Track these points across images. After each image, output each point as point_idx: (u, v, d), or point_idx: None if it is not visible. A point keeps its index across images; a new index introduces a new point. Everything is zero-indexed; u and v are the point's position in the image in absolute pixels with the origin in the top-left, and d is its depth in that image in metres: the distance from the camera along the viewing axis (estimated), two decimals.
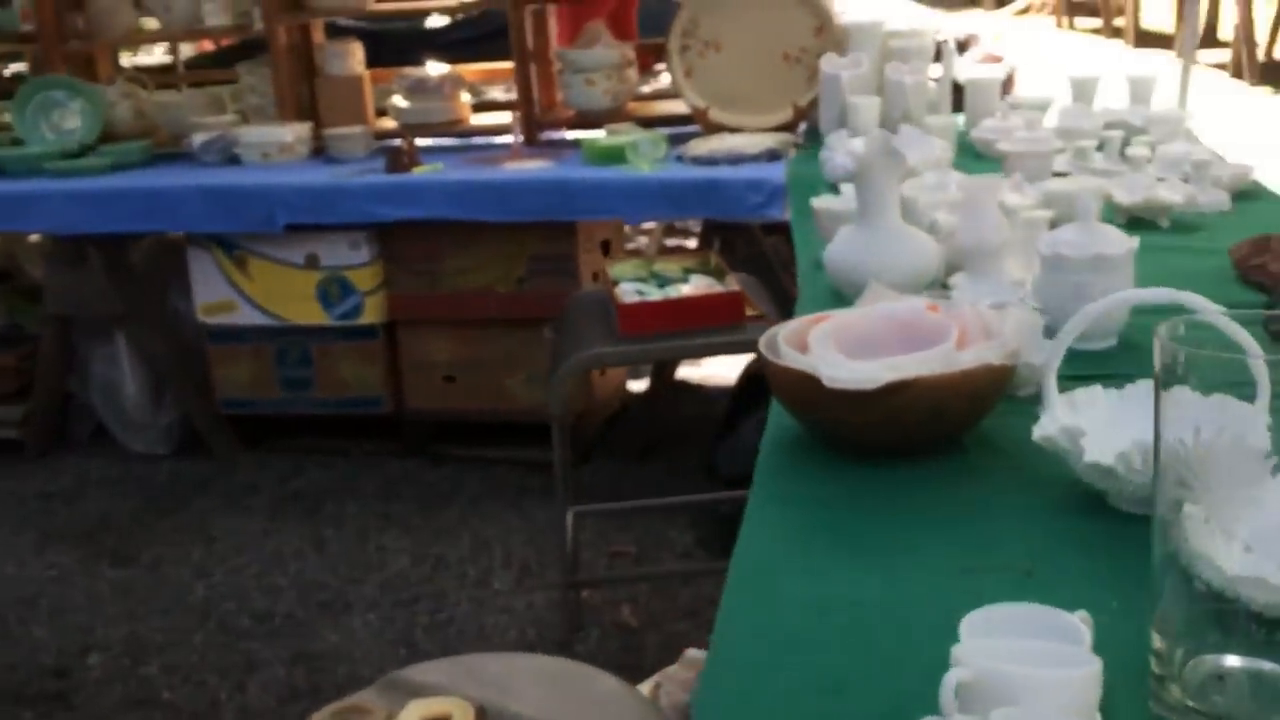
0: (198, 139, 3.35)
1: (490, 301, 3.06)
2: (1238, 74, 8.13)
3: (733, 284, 1.97)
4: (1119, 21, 11.43)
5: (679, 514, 2.75)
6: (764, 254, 2.89)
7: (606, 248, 3.16)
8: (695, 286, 2.02)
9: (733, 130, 3.02)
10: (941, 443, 1.20)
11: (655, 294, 1.99)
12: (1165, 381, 0.71)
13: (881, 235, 1.63)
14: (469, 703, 1.04)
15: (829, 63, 2.76)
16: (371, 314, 3.16)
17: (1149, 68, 2.65)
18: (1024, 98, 2.82)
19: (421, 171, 3.07)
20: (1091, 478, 1.05)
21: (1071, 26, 12.07)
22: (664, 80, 3.92)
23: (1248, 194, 2.19)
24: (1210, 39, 10.02)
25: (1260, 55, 8.30)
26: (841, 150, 1.63)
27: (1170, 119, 2.58)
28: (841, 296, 1.78)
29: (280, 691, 2.34)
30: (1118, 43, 10.51)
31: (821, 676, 0.85)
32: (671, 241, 4.91)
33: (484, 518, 2.91)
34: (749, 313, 1.93)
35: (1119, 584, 0.93)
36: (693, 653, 1.66)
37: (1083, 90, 2.77)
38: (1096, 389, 1.16)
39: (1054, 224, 1.82)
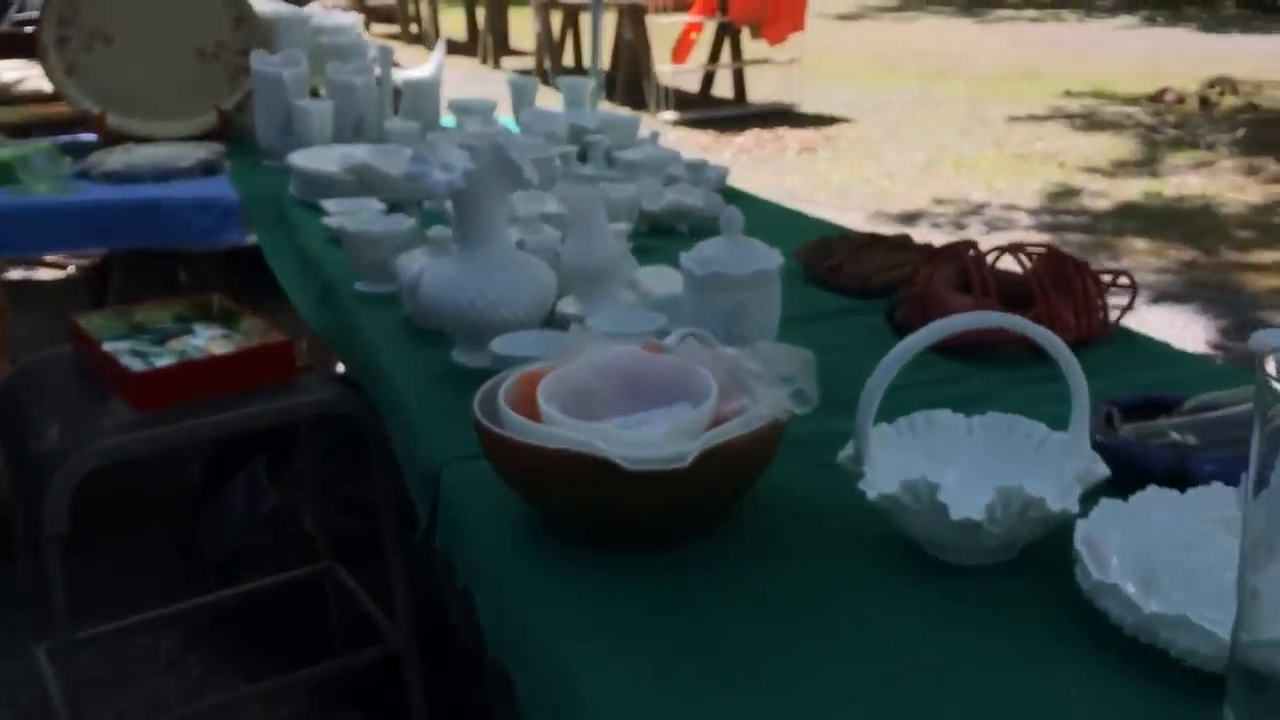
0: None
1: None
2: (543, 79, 8.78)
3: (268, 331, 1.57)
4: (415, 29, 11.83)
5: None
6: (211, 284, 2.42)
7: None
8: (212, 338, 1.58)
9: (140, 140, 2.51)
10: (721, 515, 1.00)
11: (163, 355, 1.52)
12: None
13: (494, 262, 1.38)
14: None
15: (261, 60, 2.38)
16: None
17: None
18: (466, 101, 2.65)
19: None
20: (941, 532, 0.92)
21: (370, 31, 12.21)
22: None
23: (726, 193, 2.23)
24: (505, 48, 10.75)
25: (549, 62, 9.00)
26: (437, 164, 1.34)
27: (626, 122, 2.58)
28: (423, 336, 1.50)
29: None
30: (420, 48, 10.83)
31: None
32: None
33: None
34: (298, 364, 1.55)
35: (1047, 666, 0.81)
36: None
37: (523, 94, 2.69)
38: (883, 427, 1.03)
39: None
